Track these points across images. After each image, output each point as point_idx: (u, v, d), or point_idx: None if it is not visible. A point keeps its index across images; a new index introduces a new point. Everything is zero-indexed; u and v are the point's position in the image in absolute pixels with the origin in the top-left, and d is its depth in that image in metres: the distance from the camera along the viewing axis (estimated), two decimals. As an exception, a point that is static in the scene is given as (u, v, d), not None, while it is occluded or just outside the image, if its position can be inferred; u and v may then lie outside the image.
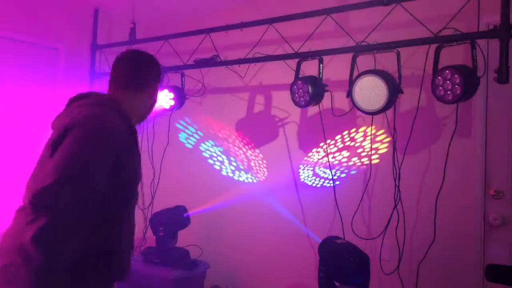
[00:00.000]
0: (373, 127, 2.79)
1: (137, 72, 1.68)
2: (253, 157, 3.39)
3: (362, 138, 2.88)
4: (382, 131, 2.79)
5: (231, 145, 3.50)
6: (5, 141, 3.07)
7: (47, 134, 1.47)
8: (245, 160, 3.42)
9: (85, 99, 1.55)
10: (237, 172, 3.46)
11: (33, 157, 1.50)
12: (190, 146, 3.73)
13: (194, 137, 3.71)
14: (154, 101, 1.78)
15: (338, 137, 2.96)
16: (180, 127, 3.78)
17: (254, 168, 3.38)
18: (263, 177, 3.33)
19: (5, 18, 3.07)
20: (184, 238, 3.23)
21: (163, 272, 2.96)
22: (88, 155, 1.35)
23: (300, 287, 3.13)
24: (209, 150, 3.62)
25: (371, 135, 2.81)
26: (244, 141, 3.44)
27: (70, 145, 1.35)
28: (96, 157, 1.36)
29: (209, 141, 3.62)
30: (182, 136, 3.76)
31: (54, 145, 1.39)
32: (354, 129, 2.91)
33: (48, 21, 3.35)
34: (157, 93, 1.78)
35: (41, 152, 1.49)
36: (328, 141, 2.98)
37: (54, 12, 3.38)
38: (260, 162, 3.35)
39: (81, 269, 1.39)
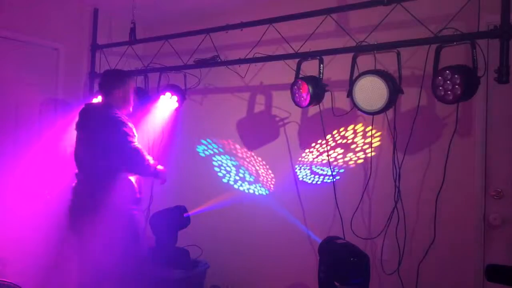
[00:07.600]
0: (372, 127, 2.79)
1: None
2: (253, 157, 3.39)
3: (359, 137, 2.88)
4: (369, 128, 2.79)
5: (230, 145, 3.50)
6: (4, 141, 3.07)
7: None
8: (244, 159, 3.42)
9: None
10: (237, 171, 3.46)
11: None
12: (189, 145, 3.72)
13: (193, 136, 3.71)
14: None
15: (335, 134, 2.97)
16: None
17: (254, 168, 3.38)
18: (263, 177, 3.33)
19: (5, 18, 3.07)
20: (184, 238, 3.22)
21: (163, 272, 2.96)
22: None
23: (300, 287, 3.13)
24: (209, 150, 3.62)
25: (371, 135, 2.82)
26: (245, 141, 3.44)
27: None
28: None
29: (208, 139, 3.62)
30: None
31: None
32: (351, 126, 2.91)
33: (48, 21, 3.34)
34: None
35: None
36: (328, 136, 2.98)
37: (54, 12, 3.38)
38: (260, 162, 3.35)
39: None
